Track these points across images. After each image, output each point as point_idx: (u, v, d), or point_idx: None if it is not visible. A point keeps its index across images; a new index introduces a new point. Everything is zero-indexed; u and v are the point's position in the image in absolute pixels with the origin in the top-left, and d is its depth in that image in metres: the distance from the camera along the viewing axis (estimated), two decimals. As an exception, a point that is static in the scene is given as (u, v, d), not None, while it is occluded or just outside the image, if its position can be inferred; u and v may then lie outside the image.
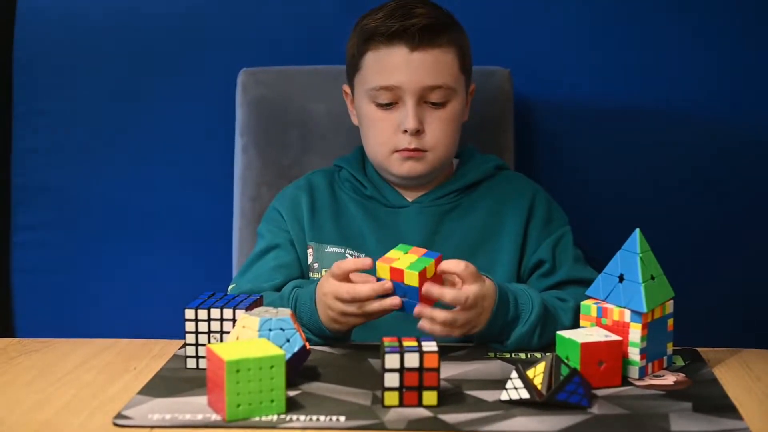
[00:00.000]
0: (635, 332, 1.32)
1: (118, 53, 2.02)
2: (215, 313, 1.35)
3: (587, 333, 1.31)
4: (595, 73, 1.99)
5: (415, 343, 1.22)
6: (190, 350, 1.36)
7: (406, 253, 1.38)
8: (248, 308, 1.34)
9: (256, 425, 1.16)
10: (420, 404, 1.21)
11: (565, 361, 1.24)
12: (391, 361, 1.20)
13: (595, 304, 1.36)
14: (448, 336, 1.39)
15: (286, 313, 1.29)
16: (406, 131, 1.59)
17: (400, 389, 1.21)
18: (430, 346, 1.21)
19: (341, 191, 1.69)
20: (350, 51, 1.66)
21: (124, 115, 2.03)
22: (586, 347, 1.27)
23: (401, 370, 1.20)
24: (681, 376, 1.34)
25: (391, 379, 1.21)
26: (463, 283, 1.38)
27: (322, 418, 1.18)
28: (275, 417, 1.18)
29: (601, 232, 1.75)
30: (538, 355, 1.43)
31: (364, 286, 1.37)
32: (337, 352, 1.44)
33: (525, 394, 1.21)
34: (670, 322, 1.37)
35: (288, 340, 1.27)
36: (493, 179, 1.69)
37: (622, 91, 1.99)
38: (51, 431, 1.17)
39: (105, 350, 1.47)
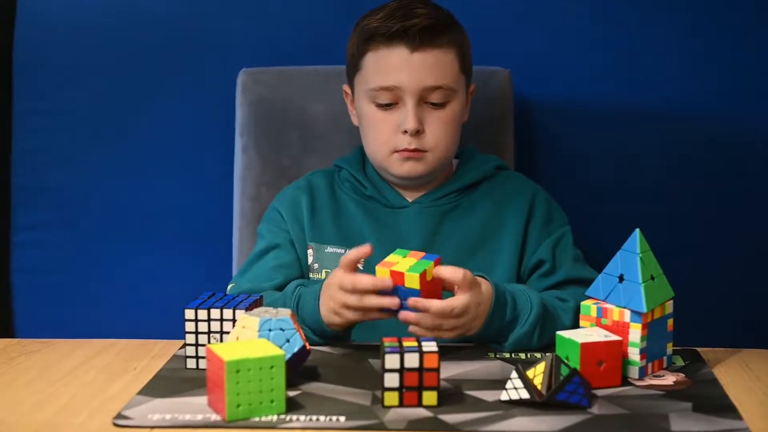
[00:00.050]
0: (635, 332, 1.32)
1: (118, 53, 2.02)
2: (215, 313, 1.35)
3: (587, 333, 1.31)
4: (595, 73, 1.99)
5: (415, 344, 1.22)
6: (190, 350, 1.36)
7: (405, 257, 1.38)
8: (248, 308, 1.34)
9: (256, 425, 1.16)
10: (420, 404, 1.21)
11: (565, 361, 1.24)
12: (391, 361, 1.20)
13: (594, 304, 1.36)
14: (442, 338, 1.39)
15: (285, 313, 1.29)
16: (406, 132, 1.59)
17: (400, 389, 1.21)
18: (430, 346, 1.21)
19: (341, 191, 1.69)
20: (350, 51, 1.66)
21: (124, 115, 2.03)
22: (586, 347, 1.27)
23: (401, 370, 1.20)
24: (681, 376, 1.34)
25: (391, 380, 1.21)
26: (457, 290, 1.38)
27: (322, 418, 1.18)
28: (275, 417, 1.18)
29: (601, 232, 1.75)
30: (538, 355, 1.43)
31: (366, 277, 1.38)
32: (337, 352, 1.44)
33: (525, 394, 1.21)
34: (670, 322, 1.37)
35: (288, 341, 1.27)
36: (493, 179, 1.69)
37: (622, 91, 1.99)
38: (51, 431, 1.17)
39: (105, 350, 1.47)
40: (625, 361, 1.32)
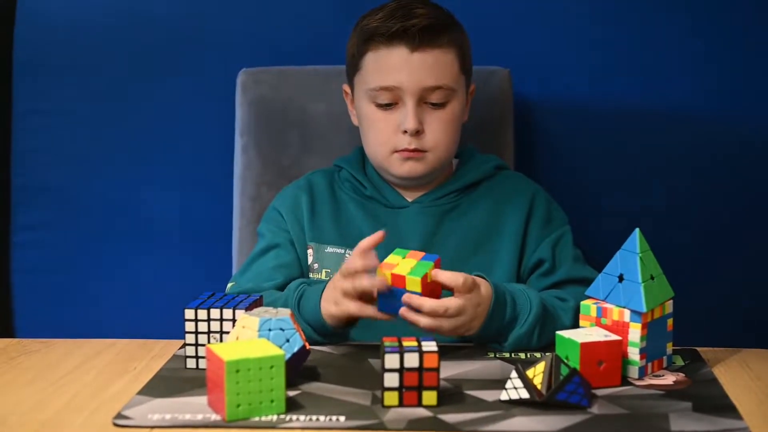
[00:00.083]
0: (635, 332, 1.32)
1: (118, 53, 2.02)
2: (215, 313, 1.35)
3: (587, 333, 1.31)
4: (595, 73, 1.99)
5: (414, 343, 1.22)
6: (190, 350, 1.36)
7: (404, 257, 1.38)
8: (248, 308, 1.35)
9: (255, 425, 1.16)
10: (420, 404, 1.21)
11: (565, 360, 1.24)
12: (391, 361, 1.20)
13: (594, 303, 1.36)
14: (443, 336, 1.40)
15: (285, 313, 1.29)
16: (405, 132, 1.59)
17: (399, 389, 1.21)
18: (429, 346, 1.21)
19: (341, 191, 1.69)
20: (350, 51, 1.66)
21: (124, 115, 2.03)
22: (586, 347, 1.27)
23: (401, 370, 1.20)
24: (681, 375, 1.34)
25: (391, 379, 1.21)
26: (456, 294, 1.38)
27: (321, 418, 1.18)
28: (275, 417, 1.18)
29: (600, 232, 1.75)
30: (538, 354, 1.43)
31: (356, 259, 1.38)
32: (337, 352, 1.44)
33: (525, 394, 1.21)
34: (670, 321, 1.37)
35: (288, 340, 1.27)
36: (493, 179, 1.69)
37: (622, 91, 1.99)
38: (51, 431, 1.17)
39: (105, 350, 1.47)
40: (625, 361, 1.32)
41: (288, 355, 1.25)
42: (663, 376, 1.34)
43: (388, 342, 1.22)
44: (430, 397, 1.21)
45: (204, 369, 1.33)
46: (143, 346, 1.48)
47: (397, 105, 1.60)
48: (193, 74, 2.01)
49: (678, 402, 1.24)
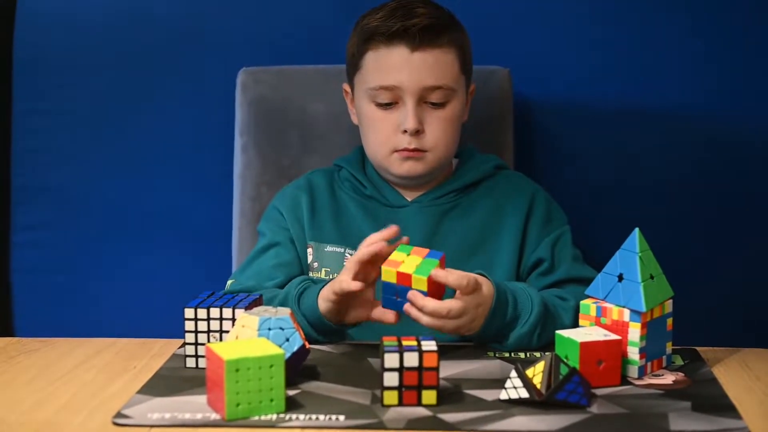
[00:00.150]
0: (634, 331, 1.32)
1: (118, 53, 2.02)
2: (215, 312, 1.35)
3: (586, 332, 1.31)
4: (595, 73, 1.99)
5: (414, 343, 1.22)
6: (190, 349, 1.36)
7: (409, 254, 1.38)
8: (248, 307, 1.35)
9: (255, 424, 1.16)
10: (419, 403, 1.21)
11: (565, 360, 1.24)
12: (391, 360, 1.20)
13: (594, 303, 1.36)
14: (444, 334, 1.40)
15: (285, 312, 1.29)
16: (405, 131, 1.59)
17: (399, 388, 1.21)
18: (429, 345, 1.21)
19: (341, 191, 1.69)
20: (350, 50, 1.66)
21: (123, 115, 2.03)
22: (586, 346, 1.27)
23: (400, 369, 1.20)
24: (680, 375, 1.34)
25: (391, 379, 1.21)
26: (459, 295, 1.38)
27: (321, 417, 1.18)
28: (275, 416, 1.18)
29: (600, 231, 1.75)
30: (538, 354, 1.43)
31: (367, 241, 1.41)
32: (336, 351, 1.44)
33: (524, 394, 1.21)
34: (670, 321, 1.37)
35: (287, 340, 1.27)
36: (493, 179, 1.69)
37: (622, 91, 1.99)
38: (51, 431, 1.17)
39: (104, 350, 1.47)
40: (625, 361, 1.32)
41: (288, 355, 1.25)
42: (662, 375, 1.34)
43: (388, 341, 1.22)
44: (429, 396, 1.21)
45: (204, 368, 1.32)
46: (143, 345, 1.48)
47: (397, 104, 1.60)
48: (193, 74, 2.01)
49: (677, 401, 1.24)
